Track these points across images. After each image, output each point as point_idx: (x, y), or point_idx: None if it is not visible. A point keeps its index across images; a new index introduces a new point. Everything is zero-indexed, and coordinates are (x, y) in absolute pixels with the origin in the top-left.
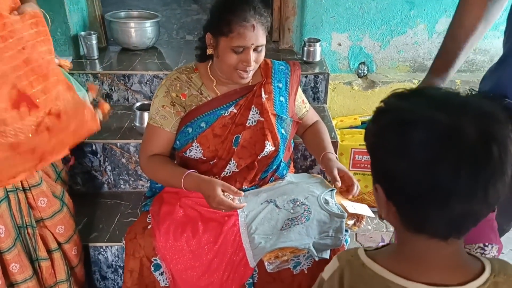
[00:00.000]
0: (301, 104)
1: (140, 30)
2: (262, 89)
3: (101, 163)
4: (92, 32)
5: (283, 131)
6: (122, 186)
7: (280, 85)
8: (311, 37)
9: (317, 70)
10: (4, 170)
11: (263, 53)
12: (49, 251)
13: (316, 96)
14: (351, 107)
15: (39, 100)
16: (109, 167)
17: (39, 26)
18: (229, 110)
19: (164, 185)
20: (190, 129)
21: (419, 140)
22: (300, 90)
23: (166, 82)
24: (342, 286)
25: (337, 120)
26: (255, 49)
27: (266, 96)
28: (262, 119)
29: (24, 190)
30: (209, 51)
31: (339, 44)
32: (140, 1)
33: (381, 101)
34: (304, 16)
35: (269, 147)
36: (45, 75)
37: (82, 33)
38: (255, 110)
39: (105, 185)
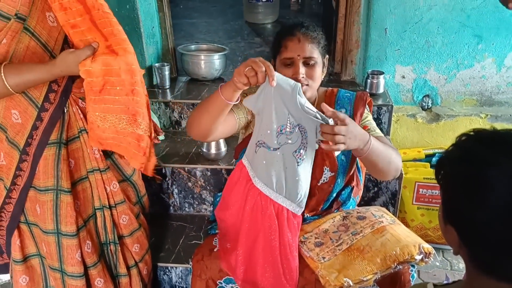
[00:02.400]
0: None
1: (209, 62)
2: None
3: (169, 186)
4: (165, 64)
5: (342, 157)
6: (186, 209)
7: (343, 110)
8: (374, 69)
9: (380, 102)
10: (121, 147)
11: (316, 69)
12: (127, 268)
13: (379, 128)
14: (414, 140)
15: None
16: (176, 190)
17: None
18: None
19: (206, 115)
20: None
21: (503, 191)
22: (368, 117)
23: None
24: None
25: (401, 152)
26: (305, 63)
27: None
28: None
29: (110, 207)
30: None
31: (403, 77)
32: (207, 35)
33: (460, 140)
34: (367, 49)
35: (327, 173)
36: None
37: (156, 64)
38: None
39: (171, 207)
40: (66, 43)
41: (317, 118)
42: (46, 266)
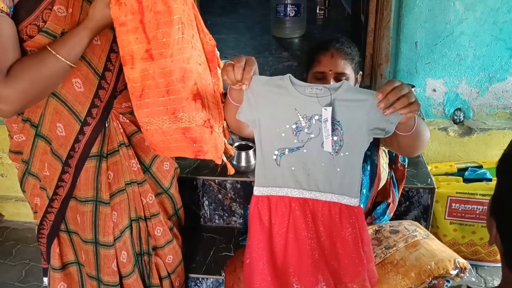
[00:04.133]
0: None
1: None
2: None
3: (200, 198)
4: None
5: (364, 190)
6: (216, 221)
7: None
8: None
9: None
10: (172, 149)
11: None
12: (160, 279)
13: None
14: (446, 154)
15: (208, 105)
16: (206, 202)
17: None
18: None
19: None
20: None
21: None
22: None
23: None
24: None
25: (432, 166)
26: (336, 79)
27: None
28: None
29: (145, 219)
30: None
31: (434, 90)
32: (235, 49)
33: None
34: (397, 63)
35: None
36: (209, 93)
37: None
38: None
39: (202, 219)
40: (109, 61)
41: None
42: (84, 273)
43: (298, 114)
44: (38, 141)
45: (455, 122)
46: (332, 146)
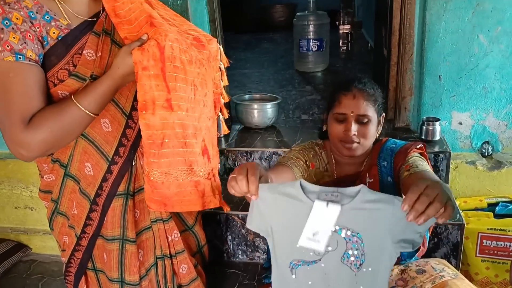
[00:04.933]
0: (404, 169)
1: (262, 111)
2: (367, 174)
3: (223, 233)
4: (219, 113)
5: None
6: (240, 256)
7: (385, 163)
8: (430, 116)
9: (437, 149)
10: (184, 202)
11: (369, 128)
12: None
13: (437, 175)
14: (475, 188)
15: (212, 158)
16: (229, 237)
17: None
18: None
19: None
20: None
21: None
22: (413, 158)
23: (302, 147)
24: None
25: (461, 201)
26: (358, 121)
27: (371, 180)
28: None
29: (171, 256)
30: (324, 128)
31: (460, 123)
32: (259, 84)
33: None
34: (422, 96)
35: None
36: (214, 144)
37: None
38: None
39: (225, 254)
40: (136, 100)
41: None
42: None
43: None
44: (67, 181)
45: (483, 155)
46: (353, 262)
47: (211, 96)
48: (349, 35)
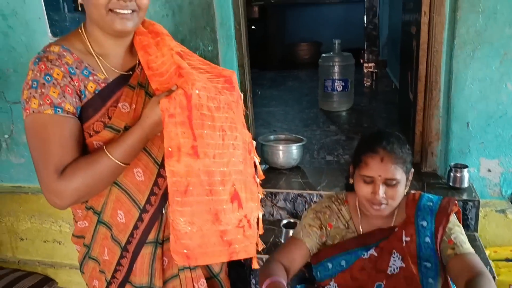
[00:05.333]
0: (447, 243)
1: (287, 153)
2: (403, 231)
3: (247, 276)
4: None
5: (430, 280)
6: None
7: (425, 223)
8: (457, 163)
9: (465, 197)
10: (208, 254)
11: (398, 189)
12: None
13: (465, 224)
14: (506, 237)
15: (245, 203)
16: (253, 281)
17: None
18: (369, 253)
19: None
20: (330, 265)
21: None
22: (455, 229)
23: (316, 207)
24: None
25: (491, 251)
26: (386, 183)
27: (408, 238)
28: (404, 266)
29: None
30: (350, 181)
31: (489, 170)
32: (284, 122)
33: None
34: (449, 142)
35: None
36: (249, 188)
37: None
38: (397, 256)
39: None
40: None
41: None
42: None
43: None
44: (100, 227)
45: None
46: None
47: (242, 138)
48: (374, 73)
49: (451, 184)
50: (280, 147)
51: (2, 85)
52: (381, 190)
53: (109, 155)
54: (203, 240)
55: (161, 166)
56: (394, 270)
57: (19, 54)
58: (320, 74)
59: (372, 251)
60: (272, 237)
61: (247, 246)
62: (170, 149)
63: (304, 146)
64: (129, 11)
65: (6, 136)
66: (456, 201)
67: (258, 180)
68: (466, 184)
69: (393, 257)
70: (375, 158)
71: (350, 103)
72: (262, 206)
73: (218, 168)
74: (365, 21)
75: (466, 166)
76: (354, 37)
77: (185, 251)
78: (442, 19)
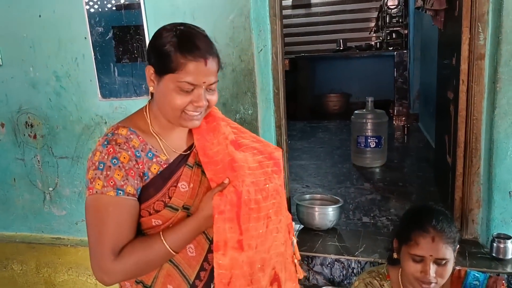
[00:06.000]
0: None
1: (324, 214)
2: None
3: None
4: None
5: None
6: None
7: None
8: (500, 233)
9: (509, 269)
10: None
11: (448, 268)
12: None
13: None
14: None
15: (283, 283)
16: None
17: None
18: None
19: None
20: None
21: None
22: None
23: (359, 285)
24: None
25: None
26: (436, 262)
27: None
28: None
29: None
30: (395, 255)
31: None
32: (316, 178)
33: None
34: (491, 211)
35: None
36: (288, 268)
37: None
38: None
39: None
40: None
41: None
42: None
43: None
44: None
45: None
46: None
47: (286, 221)
48: (405, 128)
49: (494, 254)
50: (316, 208)
51: (51, 140)
52: (432, 269)
53: (164, 241)
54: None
55: (212, 241)
56: None
57: (69, 112)
58: (352, 130)
59: None
60: None
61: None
62: (217, 243)
63: (340, 206)
64: (201, 112)
65: (51, 189)
66: (503, 281)
67: (296, 262)
68: (510, 256)
69: None
70: (426, 238)
71: (384, 159)
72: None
73: (260, 256)
74: (395, 74)
75: (510, 237)
76: (383, 89)
77: None
78: (481, 89)
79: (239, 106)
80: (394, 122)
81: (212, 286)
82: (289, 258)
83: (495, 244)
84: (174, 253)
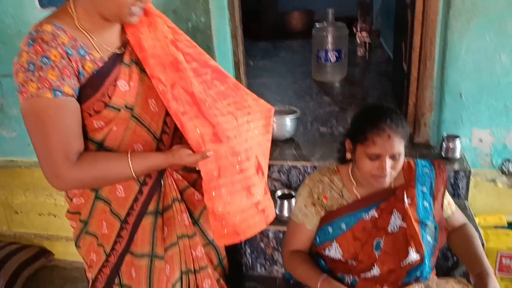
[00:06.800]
0: (447, 206)
1: (281, 124)
2: (405, 194)
3: (242, 246)
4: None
5: (428, 238)
6: (258, 269)
7: (424, 189)
8: (450, 133)
9: (457, 167)
10: (251, 226)
11: (401, 161)
12: None
13: (456, 193)
14: (495, 206)
15: (265, 170)
16: (248, 250)
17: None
18: (370, 214)
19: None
20: (330, 229)
21: None
22: (446, 192)
23: (309, 183)
24: None
25: (480, 219)
26: (391, 157)
27: (409, 201)
28: (405, 225)
29: (194, 272)
30: (348, 156)
31: (480, 141)
32: (277, 94)
33: None
34: (442, 113)
35: (413, 255)
36: (266, 155)
37: None
38: (397, 215)
39: (244, 267)
40: (165, 124)
41: None
42: None
43: None
44: (98, 203)
45: (503, 173)
46: None
47: (256, 111)
48: (367, 44)
49: (443, 154)
50: (274, 119)
51: None
52: (388, 164)
53: (130, 163)
54: (243, 215)
55: (160, 140)
56: (394, 228)
57: (6, 25)
58: (313, 45)
59: (373, 212)
60: None
61: (271, 207)
62: (194, 142)
63: (298, 117)
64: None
65: None
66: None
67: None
68: (458, 155)
69: (394, 216)
70: (382, 137)
71: (344, 74)
72: None
73: (242, 147)
74: None
75: (458, 137)
76: (347, 5)
77: (233, 229)
78: None
79: (191, 13)
80: (356, 39)
81: (162, 183)
82: (267, 147)
83: (444, 144)
84: (134, 176)
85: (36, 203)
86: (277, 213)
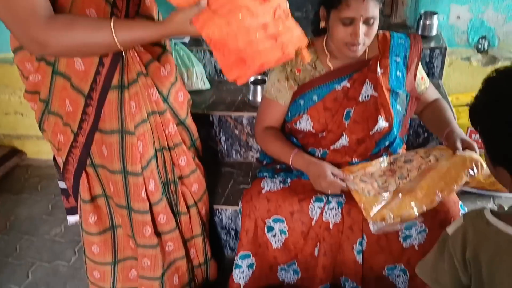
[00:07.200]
0: (420, 80)
1: None
2: (378, 64)
3: (216, 134)
4: None
5: (398, 107)
6: (234, 156)
7: (398, 59)
8: (427, 10)
9: (432, 45)
10: (262, 52)
11: (375, 27)
12: (187, 207)
13: (431, 72)
14: (468, 84)
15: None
16: (223, 138)
17: None
18: (342, 84)
19: (273, 158)
20: (302, 101)
21: None
22: (420, 66)
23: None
24: (464, 243)
25: (453, 97)
26: (365, 22)
27: (382, 70)
28: (376, 94)
29: (169, 149)
30: (322, 24)
31: (458, 17)
32: None
33: (489, 84)
34: None
35: (382, 123)
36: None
37: None
38: (369, 85)
39: (219, 154)
40: None
41: None
42: (112, 205)
43: None
44: (56, 78)
45: (479, 51)
46: None
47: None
48: None
49: (419, 33)
50: None
51: None
52: (361, 30)
53: (113, 32)
54: (248, 36)
55: (114, 5)
56: (365, 97)
57: None
58: None
59: (345, 83)
60: (241, 95)
61: (295, 37)
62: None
63: None
64: None
65: None
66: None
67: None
68: (434, 32)
69: (366, 86)
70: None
71: None
72: None
73: (256, 23)
74: None
75: (435, 13)
76: None
77: (237, 55)
78: None
79: None
80: None
81: (124, 55)
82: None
83: (421, 22)
84: (119, 48)
85: (0, 102)
86: (251, 98)
